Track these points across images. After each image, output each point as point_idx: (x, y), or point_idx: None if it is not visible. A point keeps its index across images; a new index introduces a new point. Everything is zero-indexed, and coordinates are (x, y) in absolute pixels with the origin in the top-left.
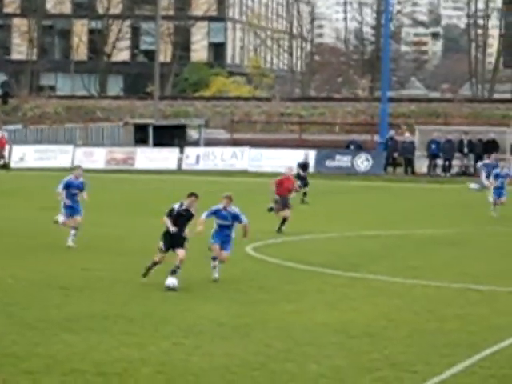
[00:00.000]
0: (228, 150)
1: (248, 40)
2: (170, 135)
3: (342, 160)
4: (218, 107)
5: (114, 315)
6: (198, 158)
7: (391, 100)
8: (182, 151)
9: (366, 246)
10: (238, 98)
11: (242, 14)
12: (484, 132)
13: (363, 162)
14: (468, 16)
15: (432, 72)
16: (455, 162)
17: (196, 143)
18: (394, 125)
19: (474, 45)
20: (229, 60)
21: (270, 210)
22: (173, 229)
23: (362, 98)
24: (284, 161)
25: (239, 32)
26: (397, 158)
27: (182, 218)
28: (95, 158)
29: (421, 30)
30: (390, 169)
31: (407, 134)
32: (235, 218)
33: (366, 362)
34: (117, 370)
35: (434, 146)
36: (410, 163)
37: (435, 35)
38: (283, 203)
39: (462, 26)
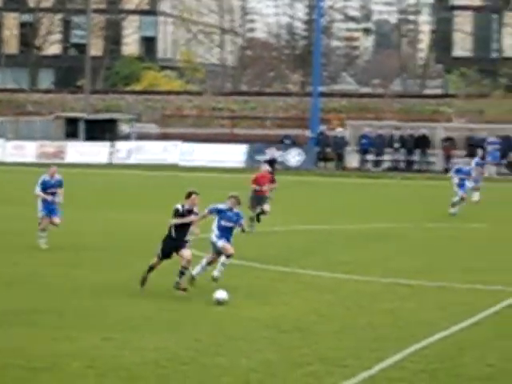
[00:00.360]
0: (159, 145)
1: (180, 34)
2: (101, 129)
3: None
4: (150, 101)
5: (44, 310)
6: (129, 152)
7: (322, 95)
8: (112, 145)
9: (297, 240)
10: (169, 93)
11: (173, 8)
12: (415, 127)
13: (295, 157)
14: (399, 12)
15: (363, 67)
16: (386, 157)
17: (127, 137)
18: (325, 120)
19: (404, 40)
20: (160, 54)
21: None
22: (190, 219)
23: (293, 92)
24: (216, 155)
25: (171, 26)
26: (328, 152)
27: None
28: (26, 151)
29: (352, 25)
30: (321, 163)
31: (339, 129)
32: (238, 220)
33: (296, 357)
34: (46, 365)
35: (365, 141)
36: (341, 158)
37: (366, 30)
38: (258, 201)
39: (393, 21)
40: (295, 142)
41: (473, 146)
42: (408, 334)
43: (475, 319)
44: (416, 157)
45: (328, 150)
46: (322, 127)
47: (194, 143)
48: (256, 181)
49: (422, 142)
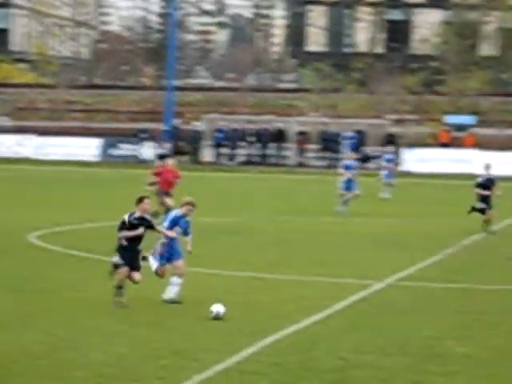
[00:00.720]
0: (12, 138)
1: (33, 27)
2: None
3: (128, 148)
4: (2, 94)
5: None
6: None
7: (177, 88)
8: None
9: (149, 234)
10: (22, 85)
11: (26, 0)
12: (270, 121)
13: (149, 151)
14: (253, 6)
15: (218, 61)
16: (241, 151)
17: None
18: (180, 113)
19: (259, 35)
20: (13, 46)
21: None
22: (138, 232)
23: (147, 86)
24: (70, 149)
25: (24, 18)
26: (183, 146)
27: (136, 227)
28: None
29: (207, 19)
30: (176, 157)
31: (196, 123)
32: (188, 227)
33: (149, 350)
34: None
35: (219, 135)
36: (196, 152)
37: (221, 24)
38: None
39: (248, 15)
40: (150, 136)
41: (326, 139)
42: (262, 328)
43: (328, 312)
44: (271, 150)
45: (182, 143)
46: (177, 121)
47: (48, 137)
48: (155, 174)
49: (277, 136)
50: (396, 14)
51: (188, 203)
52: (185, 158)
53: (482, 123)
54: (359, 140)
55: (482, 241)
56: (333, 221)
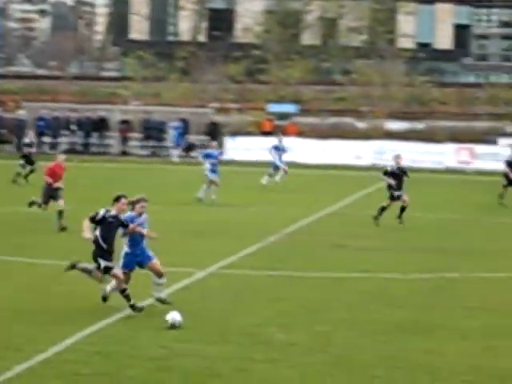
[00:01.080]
0: None
1: None
2: None
3: None
4: None
5: None
6: None
7: None
8: None
9: None
10: None
11: None
12: (92, 109)
13: None
14: None
15: (40, 49)
16: (63, 140)
17: None
18: (1, 102)
19: (82, 22)
20: None
21: (32, 204)
22: (88, 235)
23: None
24: None
25: None
26: (5, 134)
27: (111, 226)
28: None
29: (28, 6)
30: None
31: (21, 112)
32: (143, 225)
33: None
34: None
35: (41, 123)
36: (19, 140)
37: (43, 12)
38: (53, 195)
39: (70, 3)
40: None
41: (150, 128)
42: (84, 317)
43: (150, 301)
44: (93, 139)
45: (4, 132)
46: None
47: None
48: (50, 172)
49: (99, 125)
50: (219, 3)
51: (140, 200)
52: (7, 147)
53: (303, 112)
54: (184, 129)
55: (306, 228)
56: (158, 209)
